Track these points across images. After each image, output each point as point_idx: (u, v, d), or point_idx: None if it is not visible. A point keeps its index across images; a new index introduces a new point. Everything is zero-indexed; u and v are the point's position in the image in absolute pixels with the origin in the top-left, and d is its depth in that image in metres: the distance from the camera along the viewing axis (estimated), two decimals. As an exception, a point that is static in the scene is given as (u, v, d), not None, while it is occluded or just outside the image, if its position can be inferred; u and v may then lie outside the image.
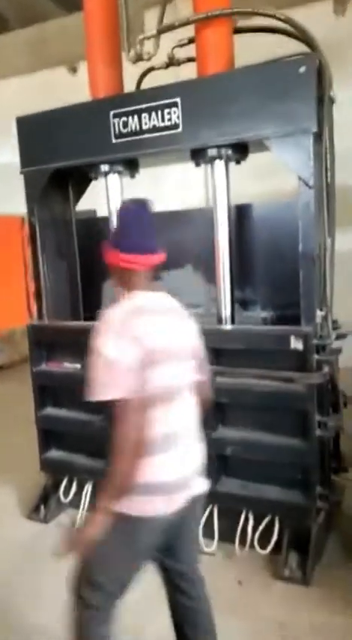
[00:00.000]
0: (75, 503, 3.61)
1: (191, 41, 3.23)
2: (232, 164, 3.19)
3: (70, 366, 3.51)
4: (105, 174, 3.43)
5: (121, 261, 1.87)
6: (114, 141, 3.20)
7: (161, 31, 3.27)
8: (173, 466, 1.82)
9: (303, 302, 2.85)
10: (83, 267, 3.92)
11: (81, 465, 3.55)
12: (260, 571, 3.02)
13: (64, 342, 3.58)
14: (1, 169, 6.84)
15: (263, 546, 3.02)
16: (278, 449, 2.98)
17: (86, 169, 3.48)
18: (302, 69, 2.69)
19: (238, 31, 3.20)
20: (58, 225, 3.78)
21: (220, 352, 3.09)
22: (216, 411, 3.14)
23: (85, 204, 3.97)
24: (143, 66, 3.59)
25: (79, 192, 3.90)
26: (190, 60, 3.34)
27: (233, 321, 3.23)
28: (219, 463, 3.17)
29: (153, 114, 3.06)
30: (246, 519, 3.08)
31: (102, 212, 3.76)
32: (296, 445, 2.92)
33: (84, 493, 3.54)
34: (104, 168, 3.38)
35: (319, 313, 2.88)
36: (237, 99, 2.86)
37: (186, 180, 6.54)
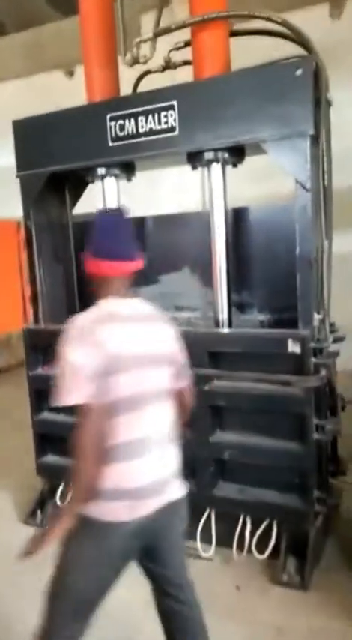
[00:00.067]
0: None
1: (187, 44, 3.22)
2: (229, 167, 3.19)
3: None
4: (102, 177, 3.42)
5: (95, 268, 1.90)
6: (110, 144, 3.19)
7: (157, 34, 3.28)
8: (142, 472, 1.82)
9: (300, 305, 2.85)
10: (79, 271, 3.91)
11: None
12: (258, 576, 3.00)
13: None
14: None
15: (260, 551, 3.01)
16: (276, 453, 2.97)
17: (83, 173, 3.47)
18: (299, 71, 2.69)
19: (234, 34, 3.20)
20: (54, 229, 3.77)
21: (217, 356, 3.08)
22: (213, 415, 3.13)
23: (81, 207, 3.96)
24: (139, 69, 3.59)
25: (76, 196, 3.88)
26: (186, 63, 3.34)
27: (230, 325, 3.22)
28: (216, 467, 3.16)
29: (150, 117, 3.06)
30: (244, 524, 3.06)
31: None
32: (294, 449, 2.91)
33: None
34: (101, 171, 3.38)
35: (316, 316, 2.88)
36: (234, 102, 2.86)
37: (183, 183, 6.55)
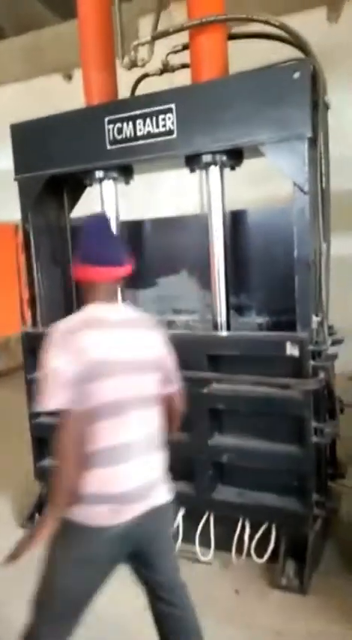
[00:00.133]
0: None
1: (185, 47, 3.23)
2: (227, 170, 3.19)
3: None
4: (100, 180, 3.42)
5: (82, 273, 1.90)
6: (108, 147, 3.19)
7: (155, 37, 3.28)
8: (125, 477, 1.82)
9: (299, 308, 2.84)
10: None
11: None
12: (257, 579, 2.99)
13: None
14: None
15: (259, 554, 3.00)
16: (275, 456, 2.96)
17: (81, 176, 3.47)
18: (297, 74, 2.69)
19: (232, 37, 3.20)
20: (52, 232, 3.77)
21: (216, 358, 3.08)
22: (212, 418, 3.12)
23: (80, 210, 3.96)
24: (137, 72, 3.59)
25: (74, 199, 3.88)
26: (184, 66, 3.34)
27: (228, 328, 3.22)
28: (214, 471, 3.15)
29: (148, 120, 3.06)
30: (243, 527, 3.05)
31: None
32: (293, 452, 2.90)
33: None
34: (99, 174, 3.37)
35: (315, 319, 2.87)
36: (232, 105, 2.86)
37: (181, 186, 6.55)
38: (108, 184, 3.43)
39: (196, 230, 3.46)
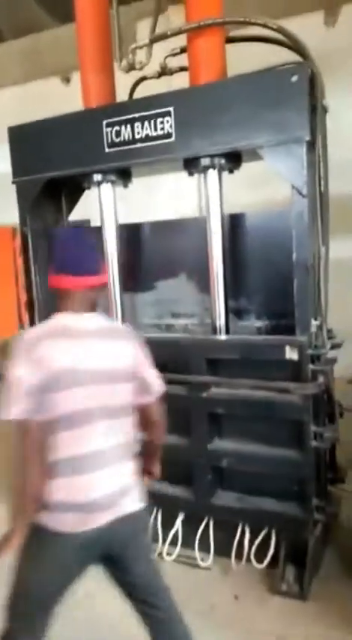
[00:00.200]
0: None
1: (183, 51, 3.23)
2: (225, 173, 3.18)
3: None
4: (98, 183, 3.41)
5: (56, 282, 1.91)
6: (107, 150, 3.18)
7: (153, 40, 3.27)
8: (91, 487, 1.83)
9: (298, 311, 2.83)
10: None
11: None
12: (256, 585, 2.97)
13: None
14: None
15: (259, 560, 2.98)
16: (274, 460, 2.94)
17: (79, 179, 3.45)
18: (295, 78, 2.68)
19: (230, 40, 3.20)
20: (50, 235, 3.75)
21: (215, 362, 3.06)
22: (211, 423, 3.11)
23: (78, 214, 3.95)
24: (135, 75, 3.59)
25: (72, 202, 3.87)
26: (182, 69, 3.34)
27: (227, 331, 3.21)
28: (214, 475, 3.14)
29: (146, 123, 3.05)
30: (242, 532, 3.03)
31: (95, 222, 3.74)
32: (292, 456, 2.89)
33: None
34: (97, 177, 3.36)
35: (314, 323, 2.86)
36: (230, 108, 2.85)
37: (180, 189, 6.53)
38: (106, 187, 3.42)
39: (195, 233, 3.44)
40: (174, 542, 3.19)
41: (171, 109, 2.98)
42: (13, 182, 3.53)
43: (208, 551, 3.10)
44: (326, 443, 2.92)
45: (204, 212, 3.30)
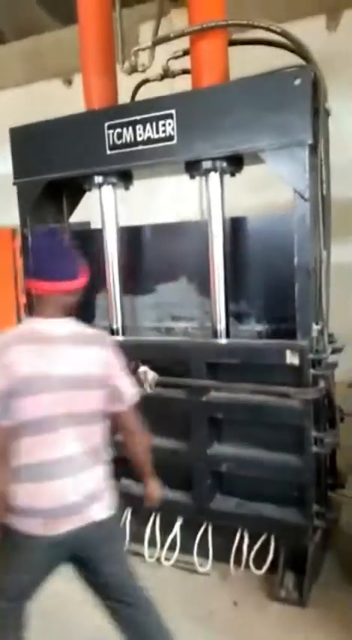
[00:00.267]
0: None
1: (186, 53, 3.21)
2: (227, 176, 3.17)
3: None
4: (100, 185, 3.40)
5: (31, 286, 1.91)
6: (108, 152, 3.17)
7: (156, 42, 3.26)
8: (55, 493, 1.83)
9: (299, 315, 2.82)
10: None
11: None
12: (255, 591, 2.95)
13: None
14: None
15: (258, 566, 2.95)
16: (274, 466, 2.92)
17: (80, 181, 3.44)
18: (298, 81, 2.68)
19: (233, 43, 3.19)
20: (50, 237, 3.74)
21: (215, 366, 3.05)
22: (211, 427, 3.09)
23: (79, 215, 3.93)
24: (138, 77, 3.58)
25: (73, 204, 3.86)
26: (185, 72, 3.33)
27: (228, 335, 3.19)
28: (213, 480, 3.12)
29: (148, 125, 3.04)
30: (241, 538, 3.01)
31: (96, 224, 3.72)
32: (292, 462, 2.87)
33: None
34: (98, 179, 3.35)
35: (315, 327, 2.84)
36: (232, 111, 2.84)
37: (181, 192, 6.53)
38: (107, 189, 3.41)
39: (196, 236, 3.43)
40: (172, 547, 3.17)
41: (173, 111, 2.97)
42: (14, 183, 3.51)
43: (207, 557, 3.08)
44: (326, 448, 2.90)
45: (205, 215, 3.28)
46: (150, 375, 3.08)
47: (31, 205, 3.49)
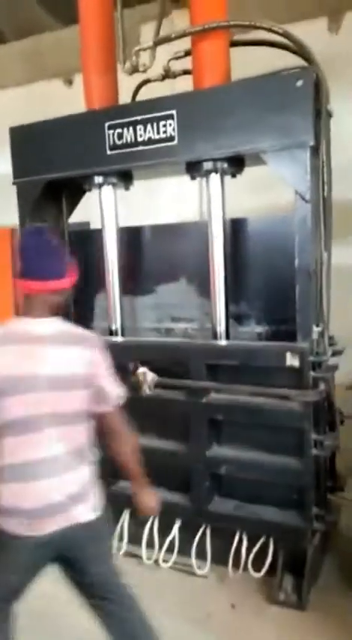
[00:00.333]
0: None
1: (187, 54, 3.21)
2: (228, 177, 3.16)
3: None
4: (100, 186, 3.39)
5: (19, 285, 1.90)
6: (108, 152, 3.16)
7: (157, 42, 3.25)
8: (37, 494, 1.83)
9: (299, 317, 2.81)
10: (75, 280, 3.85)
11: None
12: (254, 594, 2.93)
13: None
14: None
15: (257, 569, 2.94)
16: (273, 468, 2.91)
17: (80, 181, 3.43)
18: (300, 82, 2.67)
19: (235, 43, 3.18)
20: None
21: (215, 368, 3.03)
22: (210, 429, 3.08)
23: (78, 216, 3.92)
24: (139, 78, 3.57)
25: (73, 204, 3.85)
26: (186, 72, 3.32)
27: (228, 337, 3.18)
28: (212, 482, 3.10)
29: (149, 126, 3.03)
30: (240, 540, 3.00)
31: (96, 224, 3.71)
32: (292, 464, 2.86)
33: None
34: (98, 180, 3.34)
35: (315, 329, 2.83)
36: (234, 112, 2.83)
37: (182, 193, 6.51)
38: (107, 190, 3.40)
39: (196, 237, 3.42)
40: (170, 549, 3.16)
41: (174, 112, 2.96)
42: (14, 183, 3.50)
43: (205, 559, 3.07)
44: (326, 451, 2.89)
45: (205, 216, 3.27)
46: (149, 376, 3.06)
47: (31, 205, 3.48)
